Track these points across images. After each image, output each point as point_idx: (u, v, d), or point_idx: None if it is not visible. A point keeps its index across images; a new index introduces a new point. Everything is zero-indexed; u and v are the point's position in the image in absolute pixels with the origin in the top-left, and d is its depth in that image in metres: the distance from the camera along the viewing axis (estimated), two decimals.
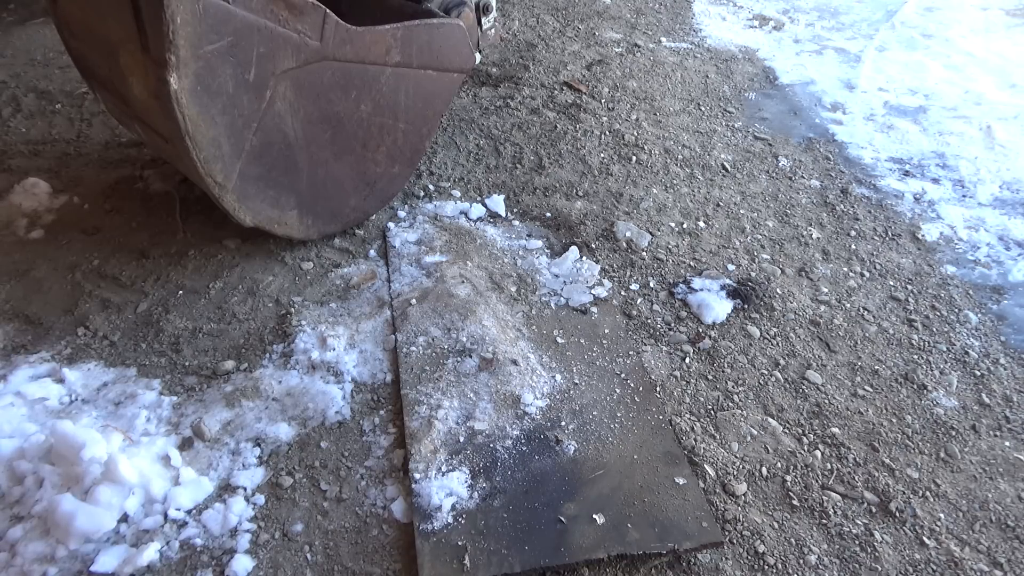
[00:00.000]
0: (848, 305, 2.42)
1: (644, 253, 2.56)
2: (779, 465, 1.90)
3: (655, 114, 3.38)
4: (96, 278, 2.35)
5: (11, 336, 2.12)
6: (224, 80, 1.89)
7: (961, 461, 1.95)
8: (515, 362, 2.07)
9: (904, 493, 1.85)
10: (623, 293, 2.40)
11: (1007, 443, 2.00)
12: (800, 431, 2.00)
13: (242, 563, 1.60)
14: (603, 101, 3.43)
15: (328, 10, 2.03)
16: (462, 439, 1.86)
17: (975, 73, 3.90)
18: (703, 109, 3.49)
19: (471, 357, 2.08)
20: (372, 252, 2.52)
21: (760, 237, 2.70)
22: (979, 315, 2.42)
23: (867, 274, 2.56)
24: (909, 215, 2.88)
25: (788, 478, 1.87)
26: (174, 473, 1.75)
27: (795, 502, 1.82)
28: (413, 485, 1.74)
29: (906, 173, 3.12)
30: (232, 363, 2.07)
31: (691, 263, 2.54)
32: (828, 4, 4.73)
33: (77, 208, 2.65)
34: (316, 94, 2.15)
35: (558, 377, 2.06)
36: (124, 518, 1.67)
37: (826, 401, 2.08)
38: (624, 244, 2.60)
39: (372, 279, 2.39)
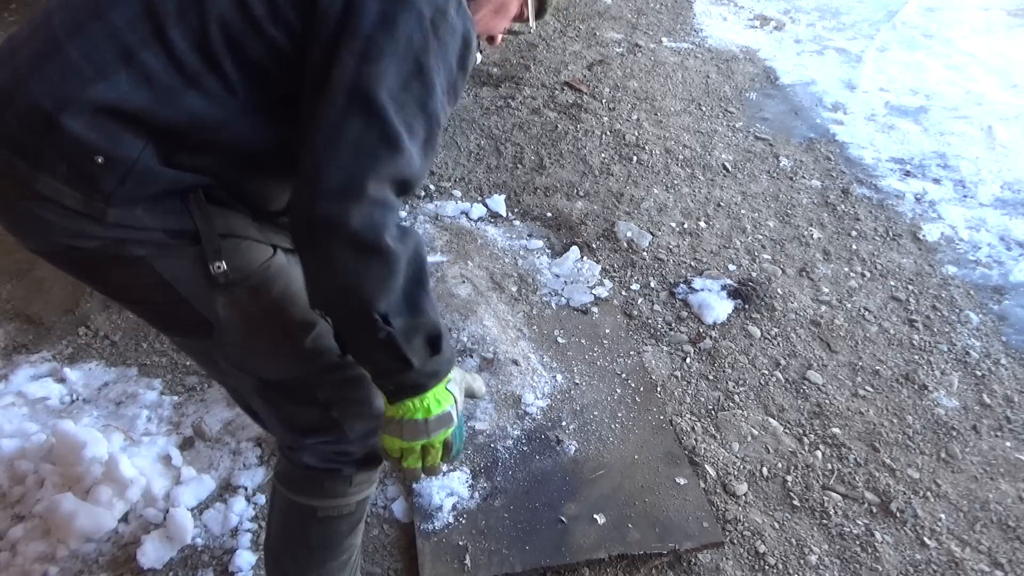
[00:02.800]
0: (849, 305, 2.42)
1: (645, 253, 2.56)
2: (780, 465, 1.90)
3: (656, 114, 3.38)
4: None
5: (12, 336, 2.13)
6: None
7: (962, 461, 1.95)
8: (516, 362, 2.07)
9: (905, 493, 1.85)
10: (624, 293, 2.40)
11: (1008, 443, 2.00)
12: (801, 431, 2.00)
13: (243, 562, 1.60)
14: (604, 101, 3.43)
15: None
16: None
17: (976, 73, 3.90)
18: (704, 109, 3.49)
19: (472, 357, 2.08)
20: None
21: (761, 237, 2.70)
22: (980, 315, 2.41)
23: (868, 274, 2.56)
24: (910, 215, 2.87)
25: (789, 478, 1.87)
26: (175, 473, 1.75)
27: (796, 502, 1.82)
28: (414, 485, 1.74)
29: (907, 173, 3.12)
30: None
31: (692, 263, 2.54)
32: (829, 4, 4.72)
33: None
34: None
35: (559, 377, 2.06)
36: (125, 517, 1.67)
37: (827, 401, 2.08)
38: (625, 244, 2.60)
39: None
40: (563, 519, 1.68)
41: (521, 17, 1.17)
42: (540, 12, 1.18)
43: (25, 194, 0.92)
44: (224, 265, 0.97)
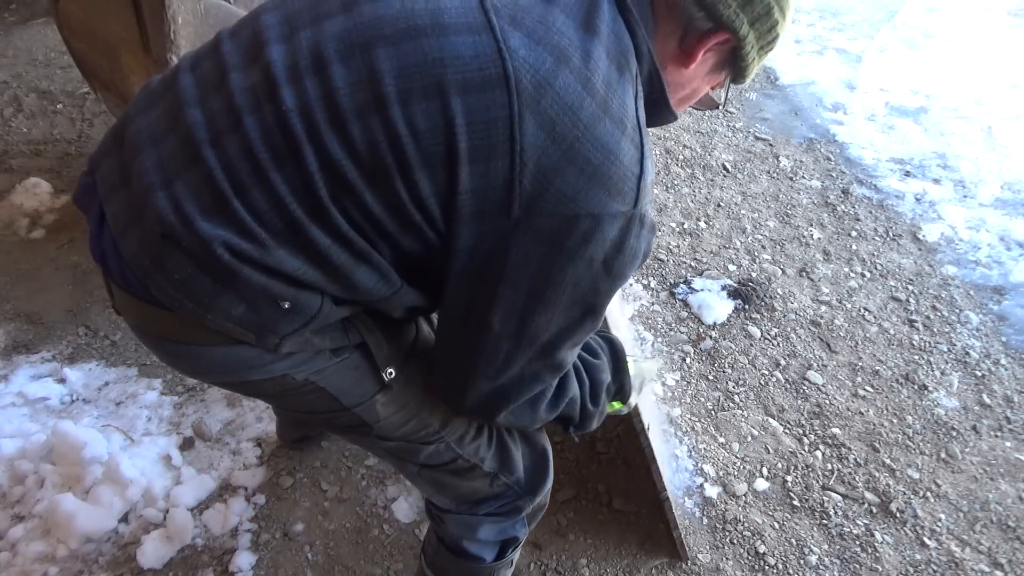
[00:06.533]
0: (849, 305, 2.42)
1: None
2: (780, 465, 1.90)
3: None
4: (97, 278, 2.35)
5: (12, 336, 2.13)
6: None
7: (962, 462, 1.95)
8: None
9: (905, 494, 1.85)
10: (624, 293, 2.40)
11: (1008, 444, 2.00)
12: (801, 431, 2.00)
13: (243, 562, 1.60)
14: None
15: None
16: None
17: (976, 73, 3.90)
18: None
19: None
20: None
21: (761, 237, 2.70)
22: (980, 315, 2.41)
23: (868, 274, 2.56)
24: (910, 215, 2.87)
25: (789, 478, 1.87)
26: (175, 473, 1.75)
27: (796, 502, 1.82)
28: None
29: (907, 173, 3.12)
30: None
31: (692, 263, 2.54)
32: (829, 4, 4.72)
33: None
34: None
35: None
36: (125, 517, 1.67)
37: (827, 401, 2.08)
38: None
39: None
40: None
41: (711, 103, 1.09)
42: (737, 80, 1.02)
43: (186, 335, 0.90)
44: (394, 371, 1.00)
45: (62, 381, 1.97)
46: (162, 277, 0.84)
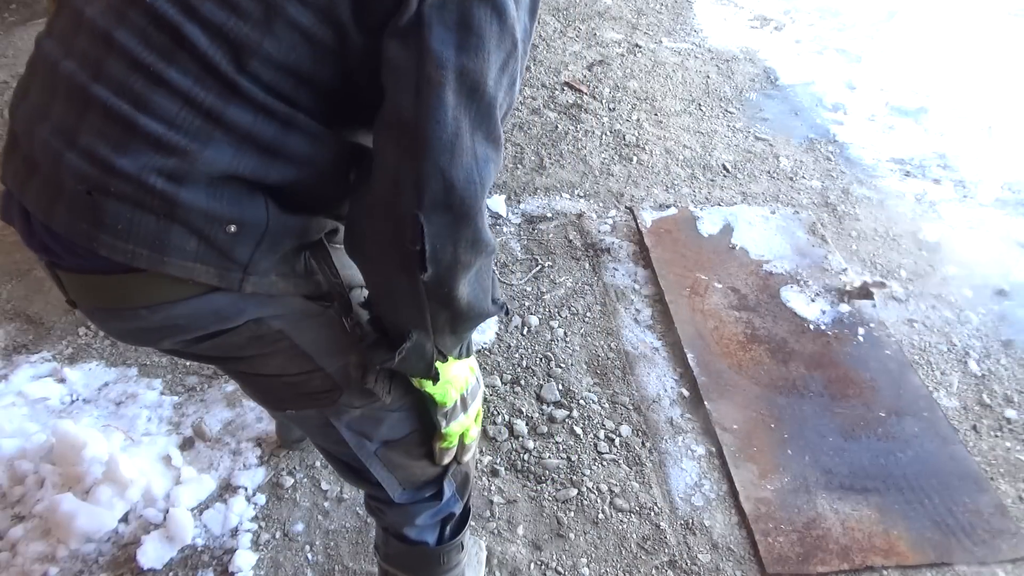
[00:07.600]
0: None
1: None
2: None
3: (656, 114, 3.38)
4: None
5: (12, 336, 2.13)
6: None
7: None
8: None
9: None
10: None
11: (1008, 444, 2.00)
12: None
13: (243, 562, 1.60)
14: (604, 101, 3.43)
15: None
16: None
17: (977, 73, 3.90)
18: (704, 110, 3.49)
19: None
20: None
21: None
22: (980, 315, 2.41)
23: (868, 275, 2.56)
24: (910, 215, 2.87)
25: None
26: (175, 473, 1.76)
27: None
28: None
29: (907, 173, 3.12)
30: None
31: None
32: (829, 4, 4.72)
33: None
34: None
35: None
36: (125, 517, 1.67)
37: None
38: None
39: None
40: None
41: None
42: None
43: (153, 293, 0.88)
44: (355, 317, 0.99)
45: (62, 381, 1.97)
46: (106, 234, 0.81)
